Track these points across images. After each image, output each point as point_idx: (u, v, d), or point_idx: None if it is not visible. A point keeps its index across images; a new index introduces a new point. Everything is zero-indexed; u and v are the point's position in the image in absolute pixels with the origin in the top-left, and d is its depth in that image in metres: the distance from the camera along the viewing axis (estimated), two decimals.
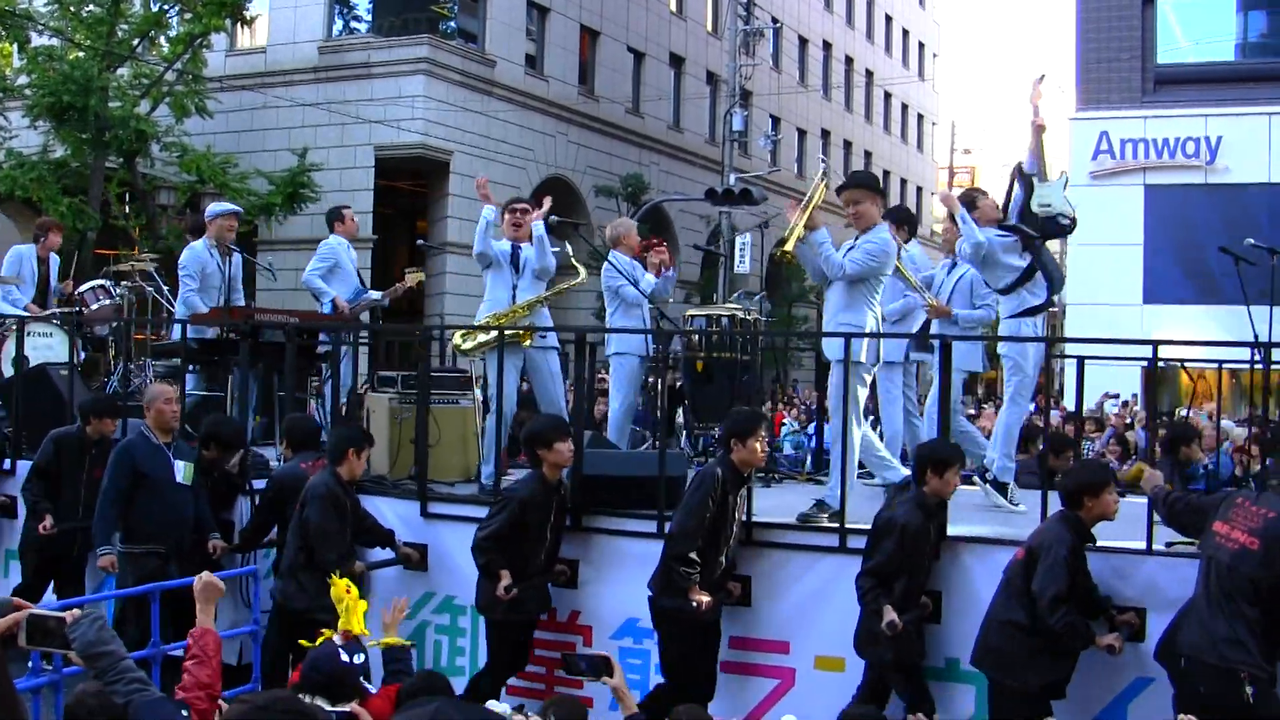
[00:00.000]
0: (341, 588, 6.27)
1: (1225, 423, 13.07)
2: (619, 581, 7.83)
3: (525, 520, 7.37)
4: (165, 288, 12.63)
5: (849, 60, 54.08)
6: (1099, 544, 6.62)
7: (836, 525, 7.45)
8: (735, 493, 7.17)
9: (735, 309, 10.90)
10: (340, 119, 29.44)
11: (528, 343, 9.07)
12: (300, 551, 7.67)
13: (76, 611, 4.78)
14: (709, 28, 43.67)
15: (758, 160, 41.58)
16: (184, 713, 4.78)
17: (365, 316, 11.82)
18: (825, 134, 51.63)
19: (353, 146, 29.64)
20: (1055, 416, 13.92)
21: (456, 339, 9.31)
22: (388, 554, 8.27)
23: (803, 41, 49.46)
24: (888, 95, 57.71)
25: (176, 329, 10.42)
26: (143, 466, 8.36)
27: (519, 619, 7.52)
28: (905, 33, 59.91)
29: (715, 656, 7.30)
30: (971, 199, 8.89)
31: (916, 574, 6.82)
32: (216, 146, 27.40)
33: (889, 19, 58.04)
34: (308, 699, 5.10)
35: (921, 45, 62.08)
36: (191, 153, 26.21)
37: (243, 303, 11.31)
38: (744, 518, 7.46)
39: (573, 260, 10.32)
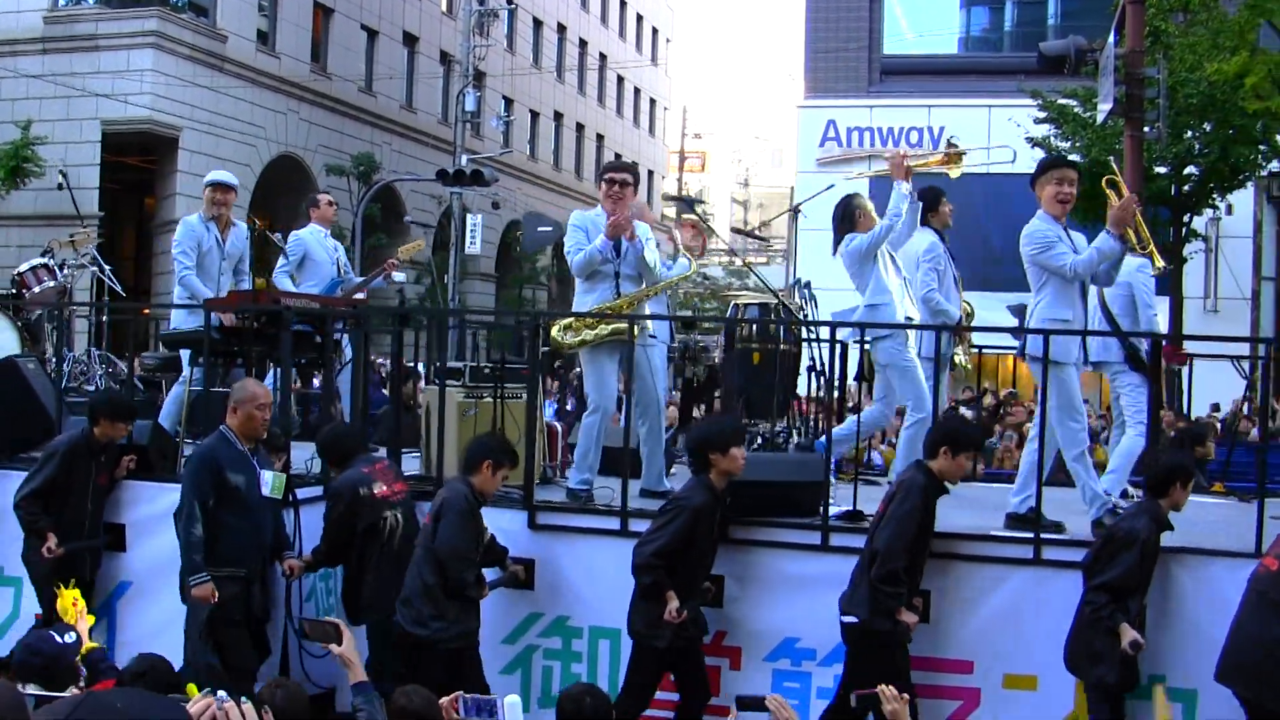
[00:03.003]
0: (69, 599, 6.07)
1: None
2: (773, 599, 7.24)
3: (695, 532, 6.69)
4: (109, 269, 11.96)
5: (583, 43, 54.41)
6: None
7: (1030, 535, 7.09)
8: (935, 505, 6.75)
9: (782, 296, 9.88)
10: (66, 92, 28.62)
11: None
12: (429, 570, 6.77)
13: None
14: (443, 7, 43.46)
15: (490, 141, 41.89)
16: None
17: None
18: (558, 116, 51.93)
19: (79, 120, 28.80)
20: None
21: (554, 331, 8.22)
22: (493, 573, 7.28)
23: (537, 23, 49.55)
24: (620, 79, 58.24)
25: (181, 316, 9.46)
26: (229, 477, 7.22)
27: (684, 645, 6.83)
28: (639, 18, 60.55)
29: (909, 676, 6.71)
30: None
31: (1147, 590, 6.54)
32: None
33: (623, 4, 58.56)
34: (21, 688, 4.91)
35: (655, 30, 62.81)
36: None
37: (248, 285, 10.05)
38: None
39: (680, 248, 9.59)
